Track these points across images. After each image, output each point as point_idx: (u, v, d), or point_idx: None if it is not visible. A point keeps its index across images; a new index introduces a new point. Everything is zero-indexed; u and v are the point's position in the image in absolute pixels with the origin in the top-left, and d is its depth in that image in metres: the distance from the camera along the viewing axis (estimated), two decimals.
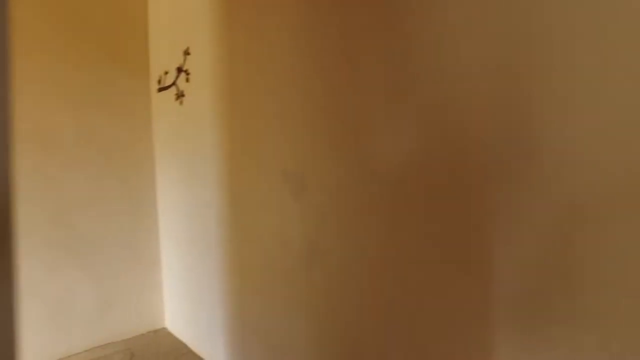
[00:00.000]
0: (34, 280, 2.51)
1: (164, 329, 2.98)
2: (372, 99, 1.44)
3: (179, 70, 2.57)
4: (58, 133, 2.55)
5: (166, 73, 2.72)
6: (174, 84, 2.65)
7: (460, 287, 1.23)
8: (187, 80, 2.51)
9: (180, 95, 2.59)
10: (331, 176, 1.62)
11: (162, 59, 2.77)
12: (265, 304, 2.04)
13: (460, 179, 1.21)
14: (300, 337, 1.83)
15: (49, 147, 2.52)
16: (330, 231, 1.65)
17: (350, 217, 1.56)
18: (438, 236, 1.28)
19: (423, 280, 1.33)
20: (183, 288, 2.77)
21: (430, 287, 1.31)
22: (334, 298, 1.66)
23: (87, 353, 2.62)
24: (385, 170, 1.42)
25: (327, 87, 1.61)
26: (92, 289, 2.71)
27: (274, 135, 1.89)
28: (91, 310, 2.71)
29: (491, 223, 1.14)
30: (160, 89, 2.80)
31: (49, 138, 2.52)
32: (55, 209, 2.56)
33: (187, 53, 2.48)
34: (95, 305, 2.72)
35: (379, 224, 1.46)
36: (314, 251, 1.73)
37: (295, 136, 1.78)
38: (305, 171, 1.74)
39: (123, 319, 2.84)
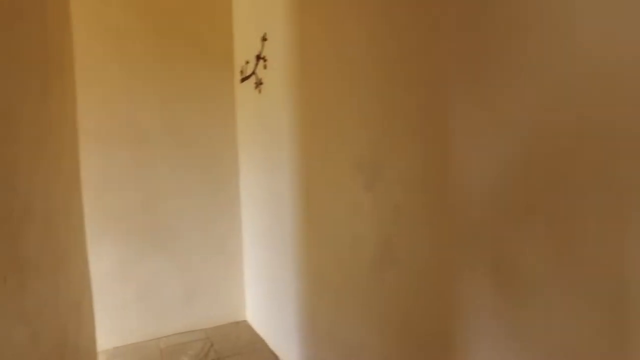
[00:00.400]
0: (127, 264, 2.65)
1: (244, 322, 2.97)
2: (465, 81, 1.17)
3: (258, 57, 2.51)
4: (146, 126, 2.66)
5: (247, 62, 2.69)
6: (253, 72, 2.60)
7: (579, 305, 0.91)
8: (265, 67, 2.44)
9: (259, 84, 2.53)
10: (409, 166, 1.38)
11: (244, 49, 2.75)
12: (336, 303, 1.86)
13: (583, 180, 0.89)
14: (371, 343, 1.62)
15: (138, 139, 2.63)
16: (406, 228, 1.41)
17: (430, 213, 1.30)
18: (543, 243, 0.97)
19: (522, 290, 1.03)
20: (262, 281, 2.72)
21: (534, 298, 1.01)
22: (409, 304, 1.41)
23: (170, 338, 2.70)
24: (476, 161, 1.14)
25: (409, 72, 1.37)
26: (177, 276, 2.79)
27: (348, 121, 1.70)
28: (176, 296, 2.79)
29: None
30: (243, 79, 2.78)
31: (139, 131, 2.63)
32: (144, 198, 2.67)
33: (264, 39, 2.41)
34: (179, 292, 2.80)
35: (466, 223, 1.18)
36: (388, 250, 1.50)
37: (370, 123, 1.56)
38: (380, 160, 1.51)
39: (205, 308, 2.88)
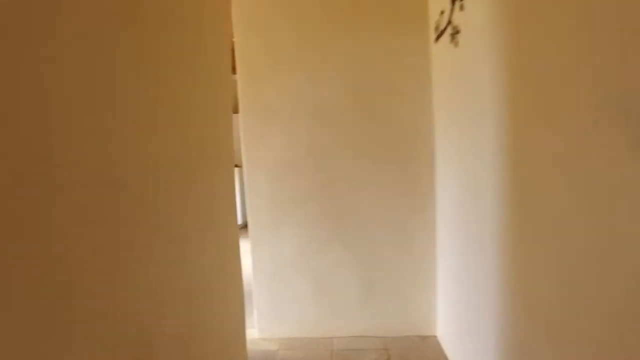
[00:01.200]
0: (305, 254, 2.46)
1: (433, 337, 2.41)
2: None
3: (453, 0, 1.92)
4: (327, 101, 2.39)
5: (442, 13, 2.12)
6: (449, 22, 2.02)
7: None
8: (462, 8, 1.83)
9: (455, 34, 1.94)
10: None
11: None
12: (564, 350, 1.15)
13: None
14: None
15: (317, 115, 2.39)
16: None
17: None
18: None
19: None
20: (457, 292, 2.11)
21: None
22: None
23: (344, 340, 2.38)
24: None
25: None
26: (356, 273, 2.45)
27: (591, 44, 0.98)
28: (354, 295, 2.46)
29: None
30: (437, 37, 2.22)
31: (318, 107, 2.39)
32: (322, 183, 2.42)
33: None
34: (358, 291, 2.46)
35: None
36: None
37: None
38: None
39: (387, 313, 2.45)
